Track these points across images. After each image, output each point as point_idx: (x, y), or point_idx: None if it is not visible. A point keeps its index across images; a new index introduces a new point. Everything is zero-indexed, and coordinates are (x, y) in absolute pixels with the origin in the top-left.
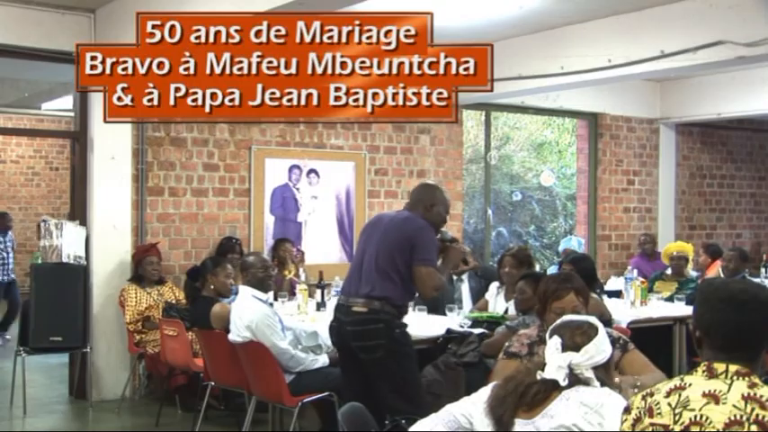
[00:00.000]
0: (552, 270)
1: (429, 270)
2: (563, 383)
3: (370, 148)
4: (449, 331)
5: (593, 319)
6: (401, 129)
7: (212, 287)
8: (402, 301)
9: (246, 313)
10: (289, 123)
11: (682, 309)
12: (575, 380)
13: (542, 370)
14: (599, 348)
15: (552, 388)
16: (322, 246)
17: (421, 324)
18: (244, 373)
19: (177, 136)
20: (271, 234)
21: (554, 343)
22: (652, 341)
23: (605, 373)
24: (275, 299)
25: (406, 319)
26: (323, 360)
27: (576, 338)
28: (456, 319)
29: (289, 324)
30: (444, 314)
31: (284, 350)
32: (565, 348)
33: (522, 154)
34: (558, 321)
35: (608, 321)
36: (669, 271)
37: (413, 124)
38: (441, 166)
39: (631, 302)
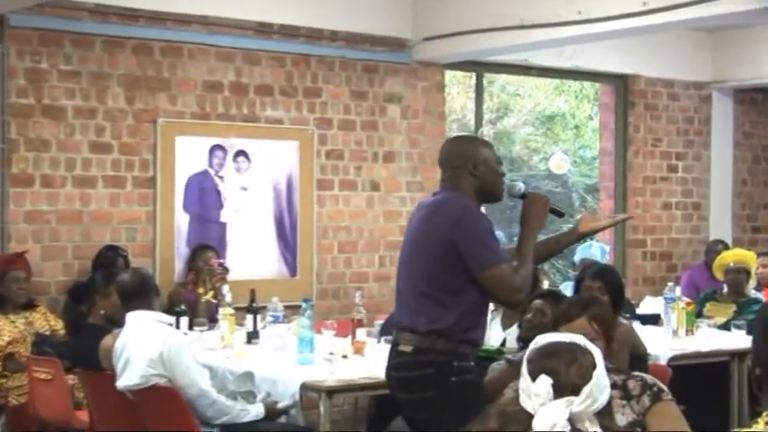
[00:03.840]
0: (566, 287)
1: (499, 270)
2: None
3: (320, 121)
4: None
5: (581, 340)
6: (362, 96)
7: (102, 312)
8: (462, 332)
9: (152, 344)
10: (210, 88)
11: (741, 339)
12: None
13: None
14: (600, 386)
15: None
16: (254, 254)
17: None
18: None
19: (53, 104)
20: (184, 239)
21: (543, 386)
22: (701, 383)
23: (609, 419)
24: (190, 328)
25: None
26: (256, 411)
27: (571, 376)
28: None
29: (209, 362)
30: None
31: (205, 392)
32: (559, 391)
33: (526, 130)
34: (533, 347)
35: (642, 357)
36: (725, 289)
37: (377, 90)
38: (416, 146)
39: (673, 331)
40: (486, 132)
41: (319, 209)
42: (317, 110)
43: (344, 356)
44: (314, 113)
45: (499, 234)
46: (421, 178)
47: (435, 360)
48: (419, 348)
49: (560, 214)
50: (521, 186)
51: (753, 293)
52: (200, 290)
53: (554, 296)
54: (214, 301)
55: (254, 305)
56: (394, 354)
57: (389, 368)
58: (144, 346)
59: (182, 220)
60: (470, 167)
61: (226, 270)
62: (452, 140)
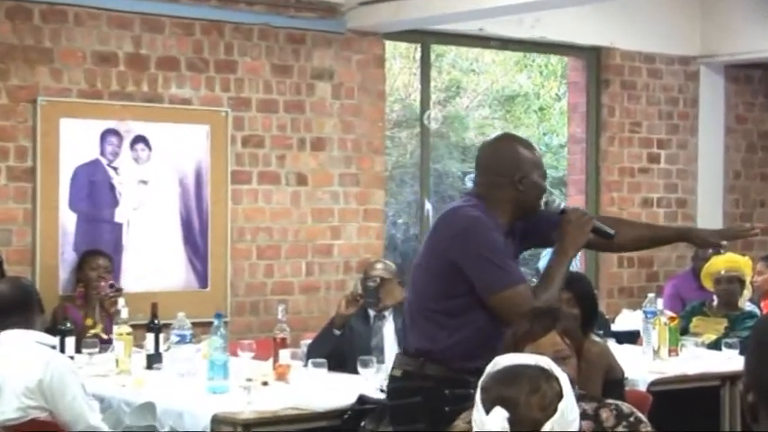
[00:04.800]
0: None
1: (513, 292)
2: None
3: (236, 102)
4: (362, 400)
5: (548, 363)
6: (285, 71)
7: None
8: (461, 359)
9: (31, 370)
10: (101, 61)
11: (733, 360)
12: None
13: None
14: (566, 420)
15: None
16: (156, 261)
17: (318, 389)
18: None
19: None
20: (71, 243)
21: (497, 420)
22: (687, 411)
23: None
24: (77, 350)
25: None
26: None
27: (532, 408)
28: (374, 380)
29: (100, 392)
30: (356, 372)
31: (94, 428)
32: (517, 425)
33: (482, 113)
34: (490, 371)
35: (618, 382)
36: (715, 301)
37: (304, 64)
38: (350, 131)
39: (654, 351)
40: (434, 116)
41: (234, 206)
42: (231, 88)
43: (265, 383)
44: (228, 92)
45: None
46: (356, 169)
47: (424, 387)
48: (407, 372)
49: (608, 235)
50: (559, 202)
51: (748, 306)
52: (88, 321)
53: None
54: (105, 336)
55: (155, 322)
56: (388, 378)
57: (387, 395)
58: (20, 372)
59: (67, 221)
60: (516, 179)
61: (119, 292)
62: (500, 141)
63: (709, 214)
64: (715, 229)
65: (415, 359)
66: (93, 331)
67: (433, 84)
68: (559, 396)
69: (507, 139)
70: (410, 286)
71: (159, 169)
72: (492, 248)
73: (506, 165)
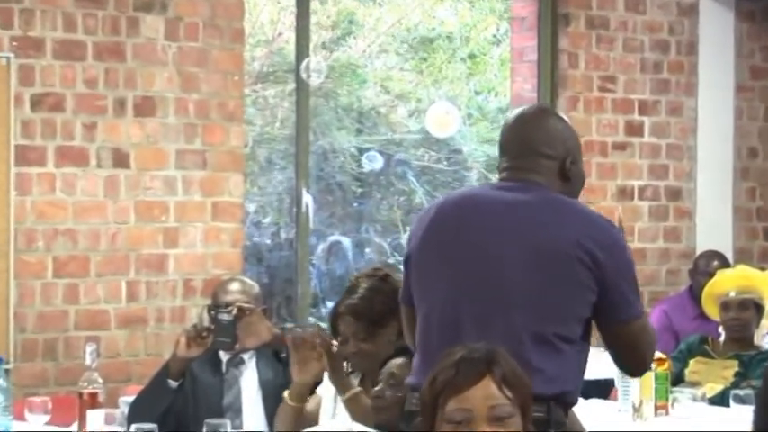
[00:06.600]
0: None
1: (646, 320)
2: None
3: (23, 44)
4: None
5: None
6: (96, 0)
7: None
8: (575, 395)
9: None
10: None
11: (745, 419)
12: None
13: None
14: None
15: None
16: None
17: None
18: None
19: None
20: None
21: None
22: None
23: None
24: None
25: None
26: None
27: None
28: None
29: None
30: None
31: None
32: None
33: (386, 62)
34: None
35: None
36: (722, 335)
37: None
38: (193, 89)
39: (635, 408)
40: (316, 66)
41: (20, 198)
42: (15, 24)
43: None
44: (10, 30)
45: (339, 240)
46: (202, 145)
47: None
48: (538, 420)
49: None
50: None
51: (767, 343)
52: None
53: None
54: None
55: None
56: None
57: None
58: None
59: None
60: (568, 163)
61: None
62: (543, 115)
63: (712, 210)
64: None
65: (549, 401)
66: None
67: (314, 20)
68: None
69: (552, 115)
70: (508, 309)
71: None
72: (633, 263)
73: (557, 144)
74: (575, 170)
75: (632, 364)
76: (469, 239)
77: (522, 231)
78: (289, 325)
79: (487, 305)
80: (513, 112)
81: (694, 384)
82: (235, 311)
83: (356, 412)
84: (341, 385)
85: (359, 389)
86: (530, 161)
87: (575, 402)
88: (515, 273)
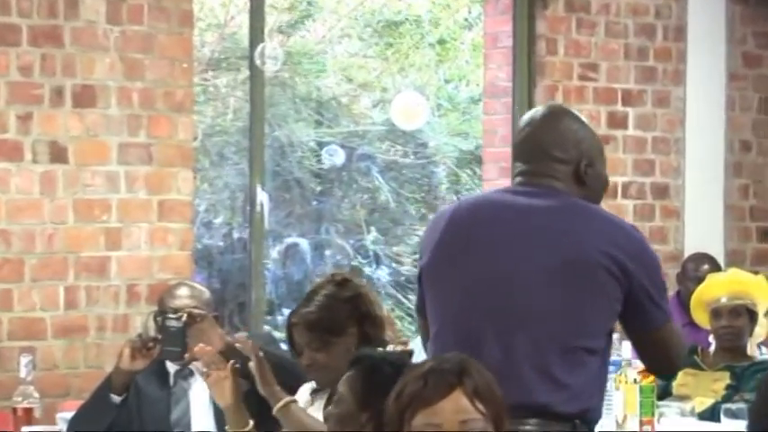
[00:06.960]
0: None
1: (672, 324)
2: None
3: None
4: None
5: None
6: None
7: None
8: (600, 411)
9: None
10: None
11: None
12: None
13: None
14: None
15: None
16: None
17: None
18: None
19: None
20: None
21: None
22: None
23: None
24: None
25: None
26: None
27: None
28: None
29: None
30: None
31: None
32: None
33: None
34: None
35: None
36: (712, 345)
37: None
38: (137, 77)
39: (618, 424)
40: (272, 52)
41: None
42: None
43: None
44: None
45: (297, 242)
46: (147, 138)
47: None
48: None
49: None
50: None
51: (762, 353)
52: None
53: (392, 365)
54: None
55: None
56: None
57: None
58: None
59: None
60: (582, 166)
61: None
62: (555, 116)
63: (702, 209)
64: None
65: (574, 419)
66: None
67: (269, 1)
68: None
69: (568, 115)
70: (531, 320)
71: None
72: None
73: (573, 146)
74: (592, 173)
75: (665, 367)
76: (485, 249)
77: (542, 240)
78: (242, 334)
79: (509, 319)
80: (526, 114)
81: (682, 398)
82: (184, 318)
83: (289, 424)
84: (270, 395)
85: (289, 398)
86: (543, 165)
87: (599, 419)
88: (538, 283)
